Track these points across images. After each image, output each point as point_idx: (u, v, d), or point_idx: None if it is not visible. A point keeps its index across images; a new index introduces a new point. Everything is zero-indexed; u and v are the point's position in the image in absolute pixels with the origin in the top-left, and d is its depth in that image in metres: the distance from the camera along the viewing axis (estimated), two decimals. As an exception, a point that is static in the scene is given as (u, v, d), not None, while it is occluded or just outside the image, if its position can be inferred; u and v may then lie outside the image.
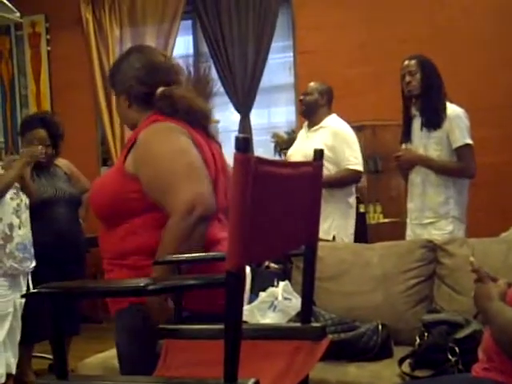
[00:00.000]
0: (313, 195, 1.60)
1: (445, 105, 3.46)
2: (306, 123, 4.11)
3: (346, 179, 3.83)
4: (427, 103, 3.48)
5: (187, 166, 1.77)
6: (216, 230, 1.85)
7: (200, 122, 1.97)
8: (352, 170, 3.79)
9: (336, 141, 3.80)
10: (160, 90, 1.95)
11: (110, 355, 2.75)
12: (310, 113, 4.01)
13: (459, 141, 3.40)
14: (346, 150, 3.81)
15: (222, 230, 1.85)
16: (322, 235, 3.61)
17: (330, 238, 3.74)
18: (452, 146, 3.42)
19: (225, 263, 1.15)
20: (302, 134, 4.09)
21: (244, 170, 1.16)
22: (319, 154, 1.60)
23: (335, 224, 3.81)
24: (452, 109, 3.45)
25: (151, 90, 1.95)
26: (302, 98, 4.04)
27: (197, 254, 1.75)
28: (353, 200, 3.98)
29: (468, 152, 3.42)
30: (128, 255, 1.84)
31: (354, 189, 4.00)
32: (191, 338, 1.52)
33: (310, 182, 1.57)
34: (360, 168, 3.86)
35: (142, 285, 1.17)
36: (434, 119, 3.43)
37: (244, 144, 1.15)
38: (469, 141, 3.42)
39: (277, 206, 1.38)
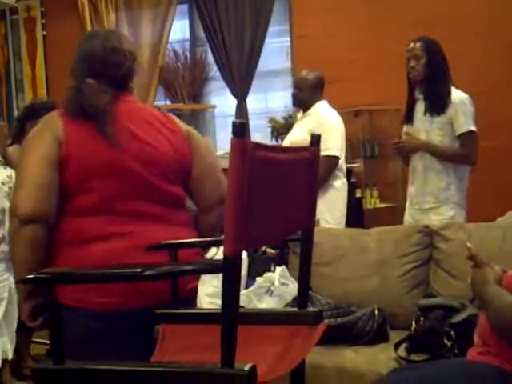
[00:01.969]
0: (309, 180, 1.60)
1: (450, 90, 3.41)
2: (301, 111, 4.13)
3: (323, 166, 3.80)
4: (432, 88, 3.43)
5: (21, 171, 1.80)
6: (99, 224, 1.78)
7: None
8: (326, 156, 3.76)
9: (318, 126, 3.79)
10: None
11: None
12: (303, 106, 4.05)
13: (463, 127, 3.37)
14: (325, 135, 3.76)
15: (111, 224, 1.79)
16: None
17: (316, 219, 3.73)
18: (456, 132, 3.39)
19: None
20: (297, 121, 4.15)
21: (241, 155, 1.15)
22: (316, 140, 1.60)
23: (319, 208, 3.77)
24: (457, 94, 3.40)
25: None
26: (294, 92, 4.04)
27: (195, 240, 1.75)
28: (339, 183, 3.95)
29: (472, 139, 3.39)
30: None
31: (340, 172, 3.98)
32: (188, 323, 1.53)
33: (306, 167, 1.57)
34: (336, 153, 3.83)
35: (138, 270, 1.17)
36: (439, 105, 3.40)
37: (241, 129, 1.15)
38: (473, 128, 3.38)
39: (274, 191, 1.38)
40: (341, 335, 2.58)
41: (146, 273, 1.16)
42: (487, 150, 4.61)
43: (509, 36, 4.87)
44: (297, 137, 3.91)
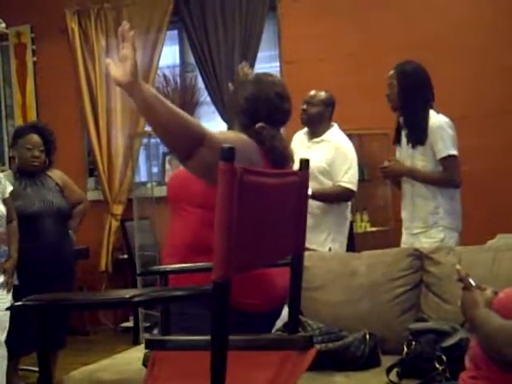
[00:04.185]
0: (299, 204, 1.61)
1: (427, 117, 3.39)
2: (305, 130, 4.02)
3: (337, 196, 3.82)
4: (407, 118, 3.46)
5: None
6: None
7: None
8: (344, 187, 3.78)
9: (336, 156, 3.79)
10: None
11: (97, 368, 2.73)
12: (313, 124, 3.94)
13: (442, 152, 3.38)
14: (343, 166, 3.79)
15: None
16: (317, 247, 3.64)
17: (326, 249, 3.74)
18: (436, 157, 3.41)
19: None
20: (302, 143, 3.96)
21: (229, 180, 1.16)
22: (305, 164, 1.61)
23: (331, 237, 3.81)
24: (435, 119, 3.40)
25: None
26: (305, 107, 3.91)
27: (184, 265, 1.75)
28: (348, 212, 3.98)
29: (452, 162, 3.40)
30: None
31: (350, 202, 3.99)
32: (178, 349, 1.52)
33: (296, 192, 1.58)
34: (353, 187, 3.81)
35: (127, 297, 1.16)
36: (416, 136, 3.42)
37: (229, 154, 1.15)
38: (452, 152, 3.39)
39: (263, 215, 1.38)
40: (332, 360, 2.56)
41: (135, 299, 1.15)
42: (478, 173, 4.66)
43: (500, 60, 4.93)
44: (313, 163, 3.86)
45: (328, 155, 3.78)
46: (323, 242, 3.76)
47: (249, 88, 2.15)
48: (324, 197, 3.74)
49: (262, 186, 1.31)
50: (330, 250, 3.75)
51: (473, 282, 1.95)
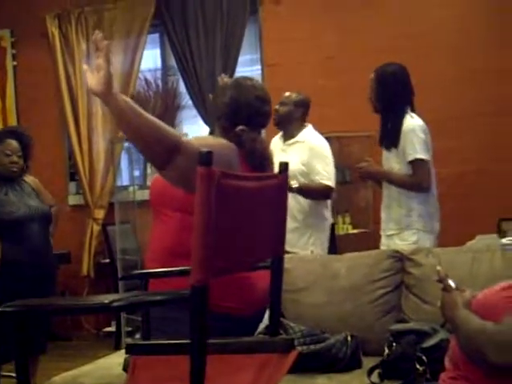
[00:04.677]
0: (279, 207, 1.61)
1: (400, 122, 3.40)
2: (280, 134, 4.03)
3: (319, 192, 3.83)
4: (384, 120, 3.49)
5: None
6: None
7: None
8: (324, 184, 3.80)
9: (311, 156, 3.80)
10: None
11: (78, 374, 2.72)
12: (283, 124, 3.94)
13: (411, 156, 3.38)
14: (319, 164, 3.79)
15: None
16: (299, 250, 3.65)
17: (308, 252, 3.74)
18: (406, 160, 3.43)
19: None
20: (276, 146, 3.95)
21: (208, 184, 1.16)
22: (284, 167, 1.62)
23: (313, 239, 3.82)
24: (408, 123, 3.40)
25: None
26: (277, 107, 3.89)
27: (164, 269, 1.75)
28: (328, 213, 3.99)
29: (420, 166, 3.39)
30: None
31: (329, 202, 4.00)
32: (157, 354, 1.51)
33: (275, 195, 1.58)
34: (331, 184, 3.82)
35: (106, 302, 1.16)
36: (389, 140, 3.45)
37: (207, 158, 1.16)
38: (420, 155, 3.37)
39: (242, 218, 1.38)
40: (314, 362, 2.57)
41: (114, 304, 1.15)
42: (456, 174, 4.70)
43: (476, 63, 4.98)
44: (291, 166, 3.86)
45: (303, 156, 3.78)
46: (305, 244, 3.77)
47: (228, 92, 2.16)
48: (309, 192, 3.73)
49: (240, 189, 1.31)
50: (312, 253, 3.76)
51: (452, 284, 1.97)
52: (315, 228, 3.84)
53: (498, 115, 4.99)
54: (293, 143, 3.91)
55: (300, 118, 3.96)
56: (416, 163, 3.38)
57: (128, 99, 1.78)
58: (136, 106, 1.77)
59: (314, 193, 3.80)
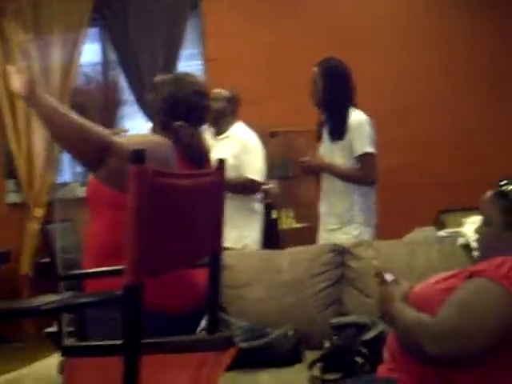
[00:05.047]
0: (216, 205, 1.60)
1: (347, 115, 3.45)
2: (210, 130, 4.01)
3: (243, 187, 3.82)
4: (328, 115, 3.51)
5: None
6: None
7: None
8: (250, 179, 3.80)
9: (242, 150, 3.80)
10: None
11: (15, 377, 2.65)
12: (216, 120, 3.93)
13: (359, 149, 3.43)
14: (248, 159, 3.81)
15: None
16: (232, 244, 3.63)
17: (240, 246, 3.74)
18: (353, 154, 3.46)
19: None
20: (208, 142, 4.00)
21: (140, 182, 1.14)
22: (221, 164, 1.61)
23: (244, 233, 3.81)
24: (354, 117, 3.45)
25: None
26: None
27: (100, 269, 1.72)
28: (258, 206, 3.99)
29: (368, 160, 3.45)
30: None
31: (259, 195, 4.01)
32: (92, 356, 1.49)
33: (212, 192, 1.57)
34: (258, 178, 3.84)
35: (36, 305, 1.13)
36: (336, 132, 3.48)
37: (139, 156, 1.14)
38: (369, 149, 3.43)
39: (177, 217, 1.36)
40: (256, 358, 2.57)
41: (44, 307, 1.12)
42: (394, 168, 4.78)
43: (411, 55, 5.07)
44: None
45: (234, 150, 3.78)
46: (236, 239, 3.74)
47: (167, 87, 2.15)
48: (237, 186, 3.72)
49: (175, 187, 1.30)
50: (244, 247, 3.75)
51: (389, 277, 2.00)
52: (246, 222, 3.83)
53: (434, 109, 5.10)
54: (224, 138, 3.92)
55: (231, 113, 3.97)
56: (365, 157, 3.42)
57: (53, 101, 1.75)
58: (62, 107, 1.74)
59: (241, 187, 3.80)
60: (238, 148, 3.80)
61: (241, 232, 3.79)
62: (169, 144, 1.98)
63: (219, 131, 3.96)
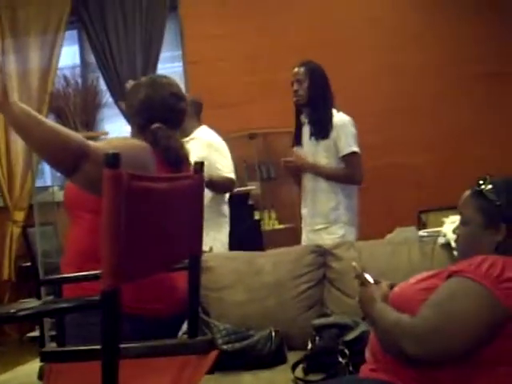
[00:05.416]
0: (194, 208, 1.60)
1: (331, 114, 3.49)
2: None
3: (220, 185, 3.81)
4: (314, 113, 3.52)
5: None
6: None
7: None
8: (226, 177, 3.80)
9: (209, 151, 3.79)
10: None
11: (3, 380, 2.64)
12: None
13: (345, 149, 3.47)
14: (218, 159, 3.80)
15: None
16: None
17: (207, 248, 3.71)
18: (339, 154, 3.49)
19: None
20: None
21: (115, 187, 1.13)
22: (199, 167, 1.60)
23: (211, 235, 3.78)
24: (339, 118, 3.49)
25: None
26: None
27: (78, 274, 1.70)
28: (225, 209, 3.98)
29: (354, 159, 3.49)
30: None
31: (226, 198, 4.00)
32: (71, 361, 1.47)
33: (190, 195, 1.56)
34: (233, 176, 3.86)
35: (12, 311, 1.12)
36: (321, 130, 3.49)
37: (114, 160, 1.13)
38: (355, 148, 3.48)
39: (155, 220, 1.36)
40: (239, 360, 2.56)
41: (21, 313, 1.11)
42: (375, 168, 4.79)
43: (392, 57, 5.10)
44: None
45: (201, 152, 3.75)
46: (204, 241, 3.70)
47: (143, 90, 2.14)
48: (214, 185, 3.72)
49: (151, 191, 1.29)
50: (211, 249, 3.73)
51: (370, 278, 2.01)
52: (213, 224, 3.81)
53: (415, 110, 5.13)
54: (189, 140, 3.91)
55: (193, 116, 3.95)
56: (351, 156, 3.46)
57: (27, 108, 1.73)
58: (36, 114, 1.72)
59: (218, 186, 3.80)
60: (205, 149, 3.79)
61: (207, 235, 3.77)
62: (147, 148, 1.97)
63: (183, 134, 3.94)
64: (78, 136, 1.77)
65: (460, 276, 1.76)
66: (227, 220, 3.97)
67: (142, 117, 2.11)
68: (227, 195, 3.99)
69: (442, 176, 5.02)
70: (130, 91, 2.22)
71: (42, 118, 1.71)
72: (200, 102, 4.02)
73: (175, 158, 2.06)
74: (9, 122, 1.70)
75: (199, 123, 3.99)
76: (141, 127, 2.10)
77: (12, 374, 2.73)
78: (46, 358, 1.55)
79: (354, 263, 2.05)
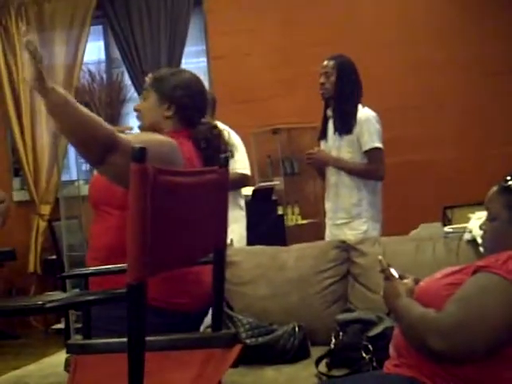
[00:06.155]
0: (219, 202, 1.60)
1: (356, 109, 3.48)
2: None
3: (235, 182, 3.82)
4: (339, 108, 3.51)
5: None
6: None
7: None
8: (240, 173, 3.81)
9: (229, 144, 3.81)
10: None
11: (23, 373, 2.67)
12: None
13: (368, 144, 3.46)
14: (235, 155, 3.82)
15: None
16: None
17: (228, 241, 3.71)
18: (362, 149, 3.48)
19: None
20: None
21: (141, 181, 1.14)
22: (224, 161, 1.60)
23: (230, 228, 3.79)
24: (363, 113, 3.49)
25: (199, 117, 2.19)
26: None
27: (104, 267, 1.72)
28: (242, 202, 3.99)
29: (377, 155, 3.48)
30: None
31: (243, 192, 4.01)
32: (97, 353, 1.49)
33: (215, 189, 1.57)
34: (248, 172, 3.87)
35: (40, 303, 1.14)
36: (345, 125, 3.48)
37: (140, 154, 1.13)
38: (378, 144, 3.47)
39: (181, 214, 1.37)
40: (262, 354, 2.57)
41: (48, 305, 1.12)
42: (400, 164, 4.77)
43: (417, 53, 5.05)
44: None
45: None
46: None
47: (187, 81, 2.17)
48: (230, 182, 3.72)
49: (177, 185, 1.30)
50: (231, 241, 3.74)
51: (395, 273, 2.00)
52: (231, 217, 3.81)
53: (442, 105, 5.08)
54: None
55: (210, 113, 3.96)
56: (374, 152, 3.45)
57: (66, 93, 1.74)
58: (74, 101, 1.73)
59: (233, 182, 3.81)
60: None
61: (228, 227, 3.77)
62: (174, 144, 1.97)
63: None
64: (109, 127, 1.78)
65: (486, 271, 1.75)
66: (244, 213, 3.99)
67: (189, 109, 2.15)
68: (245, 189, 4.01)
69: (468, 172, 4.97)
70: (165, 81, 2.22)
71: (78, 105, 1.73)
72: (215, 98, 4.02)
73: (213, 154, 2.08)
74: (46, 106, 1.72)
75: (213, 119, 4.00)
76: (188, 119, 2.14)
77: (38, 366, 2.77)
78: (72, 349, 1.57)
79: (379, 257, 2.04)
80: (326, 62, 3.55)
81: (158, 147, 1.74)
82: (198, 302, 2.10)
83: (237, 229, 3.87)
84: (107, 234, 2.02)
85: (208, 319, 2.83)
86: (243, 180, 3.86)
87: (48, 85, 1.68)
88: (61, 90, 1.75)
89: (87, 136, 1.71)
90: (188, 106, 2.14)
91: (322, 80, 3.52)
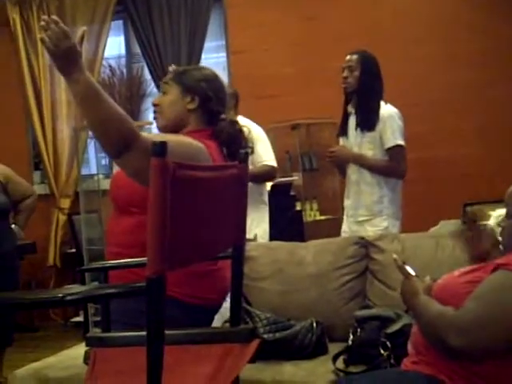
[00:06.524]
0: (239, 197, 1.60)
1: (379, 106, 3.46)
2: None
3: (264, 174, 3.82)
4: (362, 103, 3.49)
5: None
6: None
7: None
8: (270, 166, 3.81)
9: (249, 141, 3.80)
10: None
11: (42, 365, 2.69)
12: None
13: (390, 141, 3.44)
14: (259, 148, 3.80)
15: None
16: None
17: (251, 236, 3.73)
18: (384, 146, 3.46)
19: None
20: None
21: (161, 175, 1.14)
22: (244, 156, 1.60)
23: (255, 223, 3.80)
24: (386, 109, 3.46)
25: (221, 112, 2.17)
26: None
27: (123, 261, 1.73)
28: (266, 197, 3.99)
29: (399, 152, 3.46)
30: None
31: (266, 186, 4.01)
32: (116, 346, 1.50)
33: (235, 184, 1.57)
34: (275, 164, 3.86)
35: (59, 295, 1.14)
36: (367, 122, 3.46)
37: (161, 149, 1.14)
38: (400, 142, 3.45)
39: (200, 209, 1.37)
40: (280, 350, 2.57)
41: (68, 298, 1.13)
42: (420, 160, 4.73)
43: (443, 49, 5.01)
44: None
45: None
46: (248, 229, 3.73)
47: (209, 77, 2.19)
48: (257, 175, 3.71)
49: (197, 180, 1.30)
50: (255, 236, 3.74)
51: (411, 271, 1.99)
52: (256, 212, 3.82)
53: (463, 102, 5.03)
54: None
55: (232, 108, 3.95)
56: (396, 149, 3.44)
57: (93, 82, 1.75)
58: (102, 93, 1.73)
59: (261, 175, 3.81)
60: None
61: (251, 222, 3.78)
62: (202, 148, 1.96)
63: None
64: (132, 123, 1.79)
65: (506, 269, 1.74)
66: (267, 208, 3.99)
67: (213, 105, 2.15)
68: (268, 184, 4.01)
69: (490, 169, 4.92)
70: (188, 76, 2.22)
71: (105, 95, 1.74)
72: (238, 93, 4.02)
73: (235, 148, 2.09)
74: (73, 90, 1.73)
75: (236, 114, 4.00)
76: (212, 116, 2.15)
77: (58, 358, 2.80)
78: (91, 342, 1.59)
79: (394, 255, 2.03)
80: (349, 57, 3.53)
81: (178, 147, 1.75)
82: (222, 297, 2.13)
83: (262, 224, 3.88)
84: (129, 230, 2.02)
85: (226, 314, 2.85)
86: (272, 172, 3.87)
87: (83, 68, 1.70)
88: (91, 78, 1.76)
89: (112, 127, 1.71)
90: (212, 98, 2.13)
91: (345, 74, 3.50)
